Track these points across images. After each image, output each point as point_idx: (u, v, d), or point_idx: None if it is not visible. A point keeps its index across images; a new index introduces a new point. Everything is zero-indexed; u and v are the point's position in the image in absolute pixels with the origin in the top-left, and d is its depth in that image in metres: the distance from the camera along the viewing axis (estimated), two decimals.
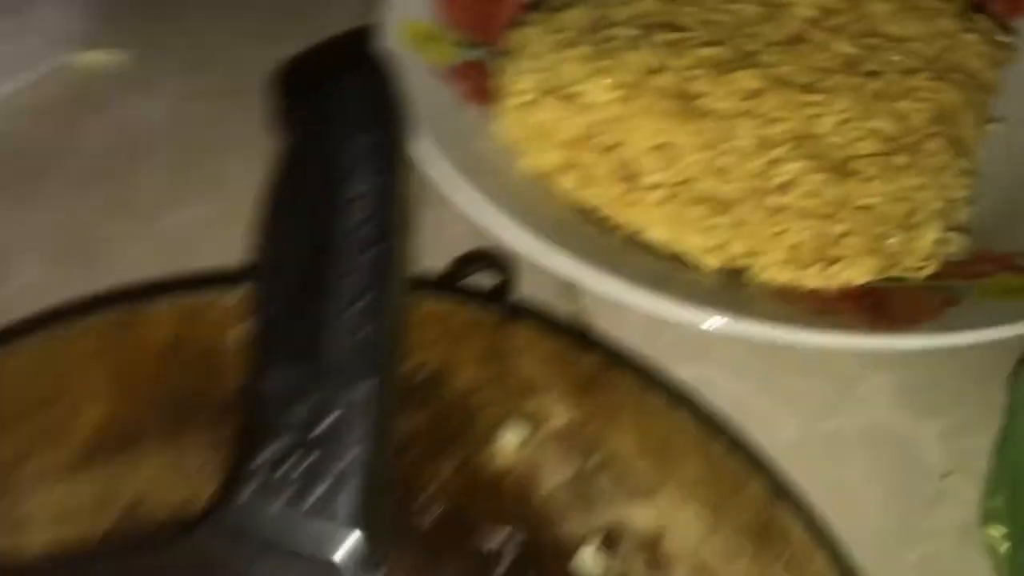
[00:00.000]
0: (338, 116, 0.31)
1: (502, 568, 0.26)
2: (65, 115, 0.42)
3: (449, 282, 0.32)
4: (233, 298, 0.30)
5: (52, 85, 0.43)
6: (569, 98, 0.35)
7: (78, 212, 0.39)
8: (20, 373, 0.29)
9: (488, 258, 0.34)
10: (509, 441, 0.28)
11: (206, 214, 0.39)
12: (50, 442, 0.27)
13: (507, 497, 0.27)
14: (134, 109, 0.42)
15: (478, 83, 0.38)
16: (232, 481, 0.24)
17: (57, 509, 0.26)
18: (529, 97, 0.35)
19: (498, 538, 0.26)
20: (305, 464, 0.24)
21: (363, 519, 0.24)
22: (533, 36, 0.37)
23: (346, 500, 0.24)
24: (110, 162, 0.41)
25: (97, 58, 0.44)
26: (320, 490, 0.24)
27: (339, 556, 0.24)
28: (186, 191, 0.40)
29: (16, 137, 0.41)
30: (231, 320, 0.29)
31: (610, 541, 0.26)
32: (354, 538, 0.24)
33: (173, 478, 0.27)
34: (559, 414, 0.29)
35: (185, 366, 0.29)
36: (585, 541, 0.26)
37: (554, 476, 0.28)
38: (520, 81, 0.36)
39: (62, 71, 0.43)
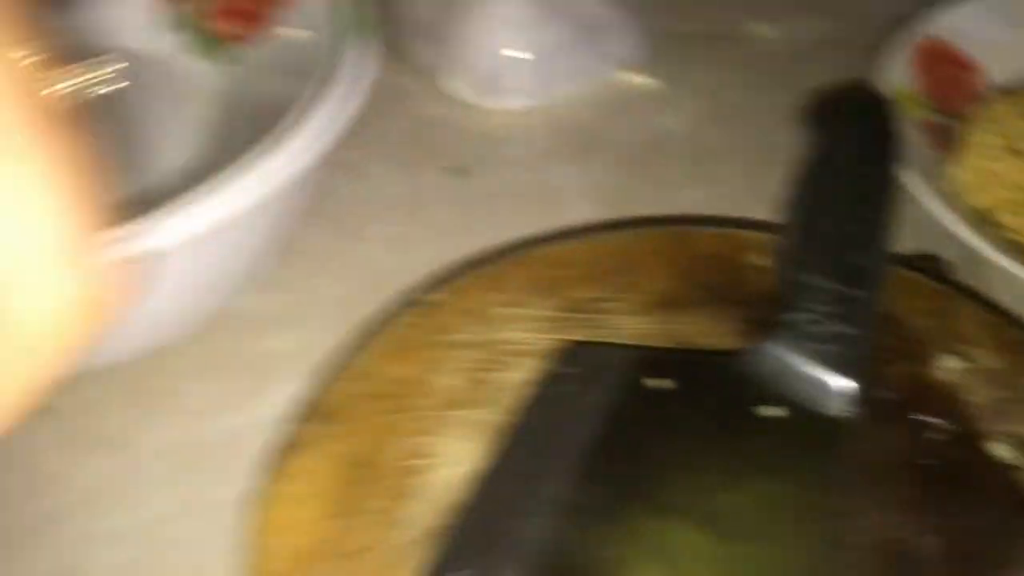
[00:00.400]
0: (856, 136, 0.43)
1: (933, 436, 0.36)
2: (609, 113, 0.58)
3: (909, 262, 0.43)
4: (751, 236, 0.43)
5: (602, 90, 0.59)
6: (1020, 154, 0.45)
7: (613, 176, 0.54)
8: (604, 250, 0.43)
9: (933, 257, 0.45)
10: (948, 364, 0.38)
11: (704, 197, 0.53)
12: (626, 291, 0.41)
13: (941, 397, 0.38)
14: (659, 119, 0.57)
15: (938, 138, 0.49)
16: (776, 330, 0.36)
17: (632, 333, 0.40)
18: (988, 150, 0.46)
19: (931, 417, 0.37)
20: (825, 330, 0.36)
21: (856, 374, 0.35)
22: (997, 108, 0.48)
23: (849, 359, 0.36)
24: (639, 152, 0.56)
25: (636, 79, 0.60)
26: (833, 348, 0.36)
27: (838, 388, 0.35)
28: (692, 180, 0.54)
29: (578, 121, 0.57)
30: (749, 247, 0.42)
31: (1018, 442, 0.36)
32: (849, 383, 0.35)
33: (711, 331, 0.40)
34: (987, 361, 0.39)
35: (717, 269, 0.42)
36: (998, 438, 0.36)
37: (978, 394, 0.38)
38: (982, 137, 0.47)
39: (609, 82, 0.59)
